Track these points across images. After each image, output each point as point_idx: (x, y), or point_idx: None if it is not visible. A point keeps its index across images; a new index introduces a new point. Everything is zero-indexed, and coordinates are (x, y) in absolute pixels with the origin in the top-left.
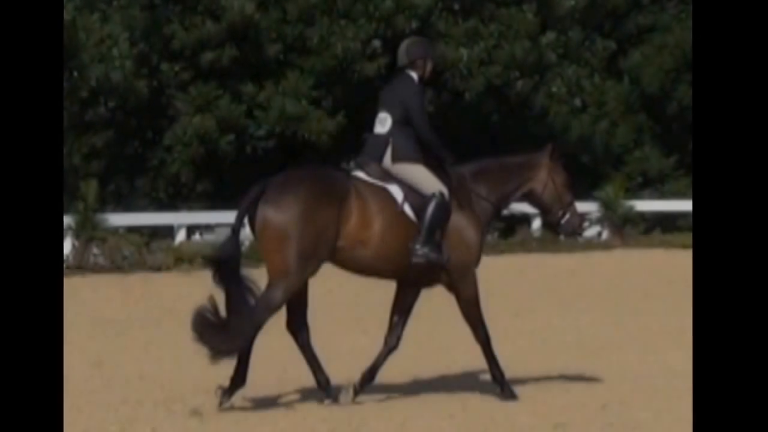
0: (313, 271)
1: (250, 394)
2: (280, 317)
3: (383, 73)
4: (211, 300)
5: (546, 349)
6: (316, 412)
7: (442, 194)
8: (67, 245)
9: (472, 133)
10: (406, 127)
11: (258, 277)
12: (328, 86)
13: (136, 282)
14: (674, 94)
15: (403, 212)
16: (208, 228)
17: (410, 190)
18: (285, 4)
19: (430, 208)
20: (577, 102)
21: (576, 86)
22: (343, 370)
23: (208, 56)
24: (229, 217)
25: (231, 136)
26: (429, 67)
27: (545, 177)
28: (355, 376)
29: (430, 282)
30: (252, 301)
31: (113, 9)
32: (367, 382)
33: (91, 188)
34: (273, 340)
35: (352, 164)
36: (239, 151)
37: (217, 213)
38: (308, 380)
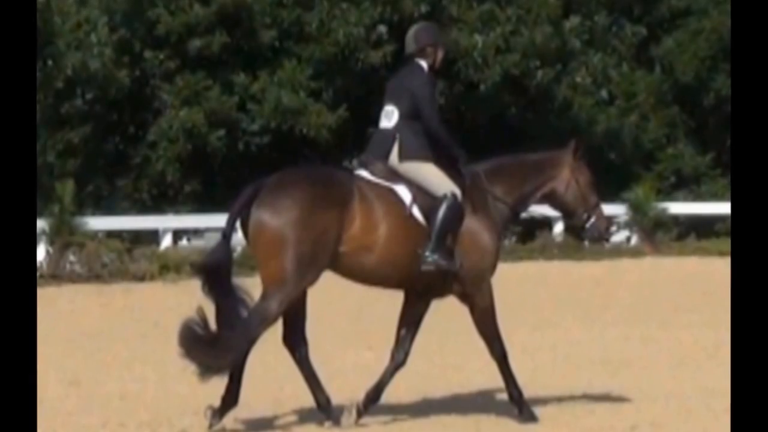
0: (313, 280)
1: (243, 415)
2: (275, 330)
3: (389, 61)
4: (200, 312)
5: (568, 365)
6: None
7: (454, 195)
8: (41, 252)
9: (488, 127)
10: (414, 122)
11: (251, 286)
12: (329, 76)
13: (117, 292)
14: (711, 85)
15: (411, 215)
16: (196, 233)
17: (419, 191)
18: None
19: (442, 211)
20: (604, 94)
21: (602, 76)
22: (345, 389)
23: (196, 43)
24: (219, 220)
25: (221, 132)
26: (440, 55)
27: (568, 176)
28: (359, 395)
29: (440, 292)
30: (245, 313)
31: None
32: (371, 402)
33: (67, 189)
34: (268, 356)
35: (355, 162)
36: (231, 147)
37: (206, 216)
38: (307, 400)
